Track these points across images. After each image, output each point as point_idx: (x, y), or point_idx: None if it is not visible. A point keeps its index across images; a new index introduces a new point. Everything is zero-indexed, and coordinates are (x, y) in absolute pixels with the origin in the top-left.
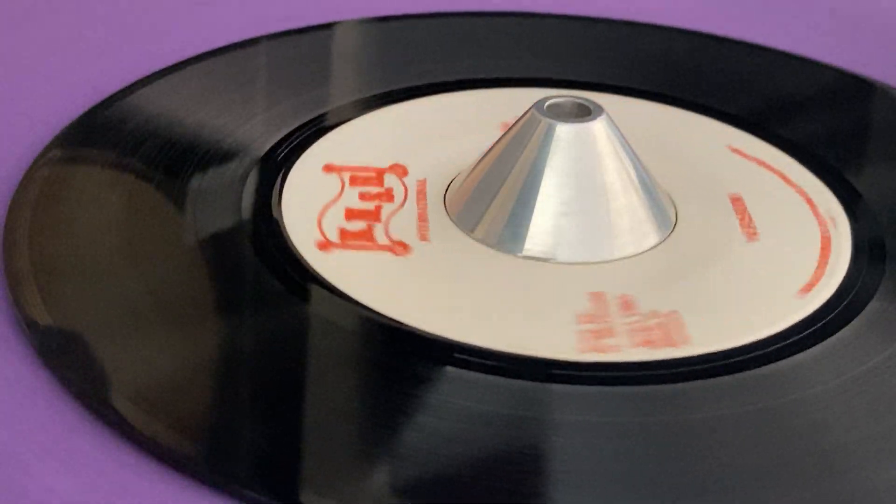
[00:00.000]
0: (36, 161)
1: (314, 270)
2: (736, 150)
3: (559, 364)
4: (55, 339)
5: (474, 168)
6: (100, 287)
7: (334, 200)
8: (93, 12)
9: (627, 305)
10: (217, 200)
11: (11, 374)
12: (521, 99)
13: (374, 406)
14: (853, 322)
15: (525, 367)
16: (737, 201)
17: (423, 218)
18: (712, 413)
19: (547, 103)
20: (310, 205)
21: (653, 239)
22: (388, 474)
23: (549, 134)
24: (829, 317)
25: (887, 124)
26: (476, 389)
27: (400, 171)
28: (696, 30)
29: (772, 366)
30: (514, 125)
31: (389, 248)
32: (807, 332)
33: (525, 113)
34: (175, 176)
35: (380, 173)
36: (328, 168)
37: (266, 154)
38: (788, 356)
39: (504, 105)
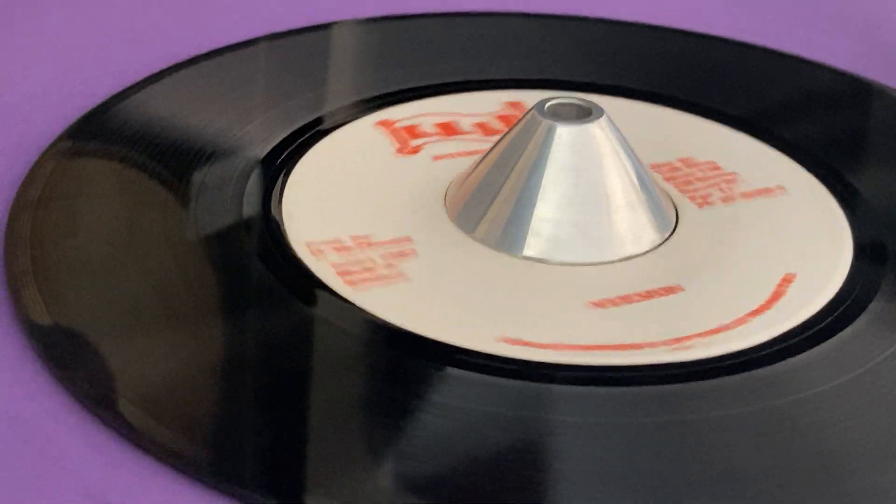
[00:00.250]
0: (38, 161)
1: (315, 273)
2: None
3: (560, 365)
4: (55, 339)
5: (474, 169)
6: (100, 288)
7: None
8: (93, 12)
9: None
10: (218, 200)
11: (11, 373)
12: (520, 99)
13: (376, 407)
14: (854, 323)
15: (525, 367)
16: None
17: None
18: (713, 414)
19: (547, 104)
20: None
21: (653, 239)
22: (390, 475)
23: (549, 135)
24: (830, 318)
25: (887, 125)
26: (476, 390)
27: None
28: (695, 30)
29: (772, 367)
30: (514, 126)
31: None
32: (807, 332)
33: (525, 114)
34: (177, 176)
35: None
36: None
37: (268, 155)
38: (789, 357)
39: (504, 105)
